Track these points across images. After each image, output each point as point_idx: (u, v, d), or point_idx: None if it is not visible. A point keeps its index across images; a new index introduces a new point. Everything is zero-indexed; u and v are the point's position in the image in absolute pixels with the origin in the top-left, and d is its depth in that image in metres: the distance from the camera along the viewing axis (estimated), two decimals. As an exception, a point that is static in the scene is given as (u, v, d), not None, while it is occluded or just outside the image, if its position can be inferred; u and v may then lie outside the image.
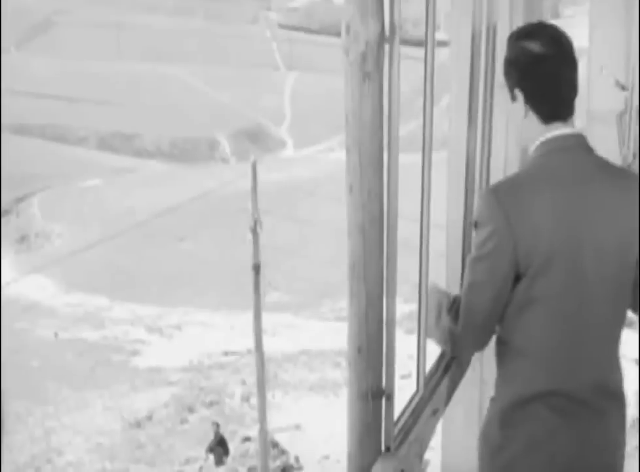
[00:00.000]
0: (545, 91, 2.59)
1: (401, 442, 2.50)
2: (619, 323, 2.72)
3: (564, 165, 2.62)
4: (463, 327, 2.67)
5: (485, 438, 2.74)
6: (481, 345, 2.74)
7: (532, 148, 2.68)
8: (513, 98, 2.63)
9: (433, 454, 2.88)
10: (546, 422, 2.62)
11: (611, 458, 2.68)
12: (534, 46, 2.59)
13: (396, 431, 2.47)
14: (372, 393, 2.33)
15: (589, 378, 2.63)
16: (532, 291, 2.60)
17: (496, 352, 2.74)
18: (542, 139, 2.63)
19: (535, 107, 2.61)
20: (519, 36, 2.62)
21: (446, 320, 2.74)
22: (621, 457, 2.75)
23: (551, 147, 2.64)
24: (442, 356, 3.08)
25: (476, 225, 2.59)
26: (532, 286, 2.59)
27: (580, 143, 2.66)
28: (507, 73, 2.63)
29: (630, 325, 3.89)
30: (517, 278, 2.61)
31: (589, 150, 2.70)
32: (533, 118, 2.64)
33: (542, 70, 2.50)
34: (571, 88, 2.65)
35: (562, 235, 2.58)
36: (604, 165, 2.70)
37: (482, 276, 2.60)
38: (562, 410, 2.62)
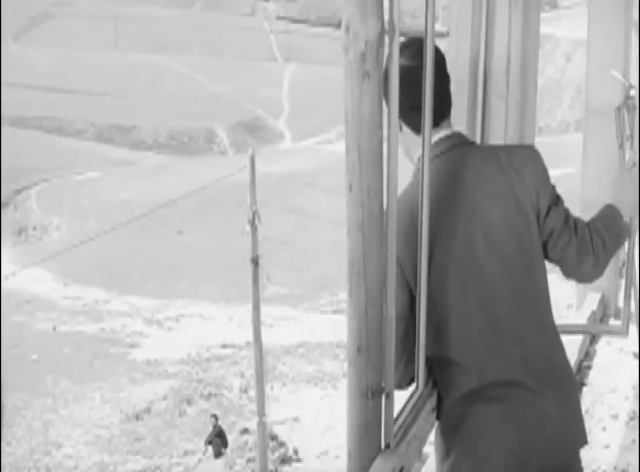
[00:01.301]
0: (410, 103, 2.55)
1: (401, 439, 2.50)
2: (538, 302, 2.67)
3: (442, 170, 2.62)
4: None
5: (434, 449, 2.76)
6: (397, 377, 2.59)
7: (415, 160, 2.70)
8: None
9: (432, 449, 2.88)
10: (481, 415, 2.61)
11: (553, 437, 2.63)
12: (400, 61, 2.59)
13: (396, 428, 2.48)
14: (371, 390, 2.34)
15: (519, 363, 2.61)
16: (437, 301, 2.60)
17: (430, 371, 2.72)
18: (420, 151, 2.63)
19: (405, 119, 2.61)
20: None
21: None
22: (570, 435, 2.67)
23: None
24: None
25: None
26: (436, 297, 2.59)
27: (454, 143, 2.68)
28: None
29: (631, 318, 3.89)
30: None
31: (466, 145, 2.71)
32: (408, 131, 2.66)
33: (406, 82, 2.47)
34: (439, 98, 2.63)
35: (454, 240, 2.59)
36: (485, 154, 2.70)
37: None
38: (496, 398, 2.61)
